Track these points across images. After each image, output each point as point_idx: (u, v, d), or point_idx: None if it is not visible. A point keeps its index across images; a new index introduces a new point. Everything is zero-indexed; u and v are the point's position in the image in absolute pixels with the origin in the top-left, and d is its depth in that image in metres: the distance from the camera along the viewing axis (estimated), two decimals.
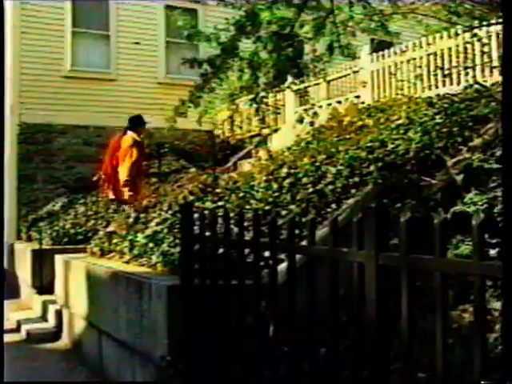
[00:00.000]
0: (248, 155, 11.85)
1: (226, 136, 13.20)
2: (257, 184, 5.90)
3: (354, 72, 11.26)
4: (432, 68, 9.52)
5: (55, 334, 7.01)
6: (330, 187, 5.15)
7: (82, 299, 6.01)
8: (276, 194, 5.41)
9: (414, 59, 9.92)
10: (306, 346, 2.83)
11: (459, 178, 4.66)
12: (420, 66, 9.73)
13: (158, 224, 5.74)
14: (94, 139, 12.18)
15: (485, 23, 7.16)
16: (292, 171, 5.80)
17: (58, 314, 7.12)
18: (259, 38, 6.12)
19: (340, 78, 11.75)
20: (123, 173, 8.14)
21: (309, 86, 11.88)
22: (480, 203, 4.15)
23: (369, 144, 5.81)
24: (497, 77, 7.94)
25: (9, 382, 4.52)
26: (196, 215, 4.05)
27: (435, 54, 9.56)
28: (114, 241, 6.35)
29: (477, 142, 5.17)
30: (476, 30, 7.78)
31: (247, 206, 5.24)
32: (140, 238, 5.67)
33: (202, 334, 3.79)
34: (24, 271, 9.22)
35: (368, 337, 2.40)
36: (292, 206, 4.99)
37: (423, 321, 2.89)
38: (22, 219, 11.25)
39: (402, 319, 2.25)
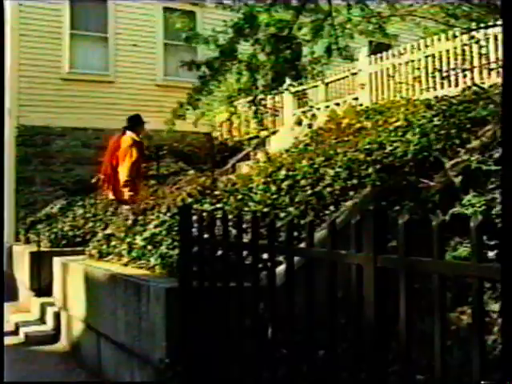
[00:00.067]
0: (246, 157, 11.85)
1: (225, 138, 13.21)
2: (255, 186, 5.90)
3: (353, 74, 11.28)
4: (430, 70, 9.53)
5: (53, 337, 7.00)
6: (329, 189, 5.15)
7: (81, 301, 6.00)
8: (274, 196, 5.41)
9: (413, 61, 9.93)
10: (305, 348, 2.83)
11: (457, 180, 4.67)
12: (418, 68, 9.74)
13: (156, 226, 5.74)
14: (92, 141, 12.18)
15: (482, 25, 7.17)
16: (290, 173, 5.80)
17: (57, 316, 7.11)
18: (257, 41, 6.13)
19: (338, 80, 11.77)
20: (123, 173, 8.15)
21: (307, 89, 11.90)
22: (478, 205, 4.16)
23: (367, 146, 5.81)
24: (495, 79, 7.95)
25: (9, 382, 4.53)
26: (194, 217, 4.05)
27: (433, 56, 9.58)
28: (113, 243, 6.35)
29: (475, 143, 5.18)
30: (474, 32, 7.79)
31: (246, 208, 5.24)
32: (138, 240, 5.66)
33: (200, 336, 3.79)
34: (22, 273, 9.21)
35: (366, 339, 2.40)
36: (290, 208, 4.99)
37: (421, 323, 2.89)
38: (21, 221, 11.24)
39: (401, 321, 2.25)
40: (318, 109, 11.47)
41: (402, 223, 2.26)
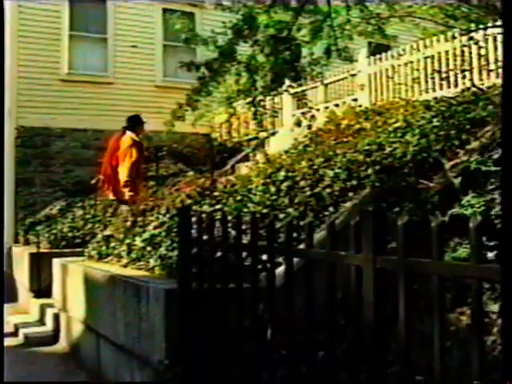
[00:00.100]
0: (246, 158, 11.86)
1: (224, 139, 13.21)
2: (254, 187, 5.90)
3: (352, 75, 11.29)
4: (429, 71, 9.54)
5: (53, 338, 7.00)
6: (328, 190, 5.15)
7: (80, 303, 6.00)
8: (274, 197, 5.41)
9: (412, 62, 9.94)
10: (304, 349, 2.83)
11: (457, 181, 4.67)
12: (417, 69, 9.75)
13: (155, 227, 5.74)
14: (92, 142, 12.18)
15: (481, 26, 7.18)
16: (290, 174, 5.79)
17: (56, 317, 7.10)
18: (256, 42, 6.13)
19: (337, 81, 11.77)
20: (123, 173, 8.16)
21: (306, 90, 11.90)
22: (477, 205, 4.16)
23: (366, 147, 5.81)
24: (494, 79, 7.96)
25: (9, 382, 4.53)
26: (194, 219, 4.05)
27: (432, 57, 9.59)
28: (112, 244, 6.35)
29: (474, 144, 5.18)
30: (473, 33, 7.80)
31: (245, 210, 5.24)
32: (138, 241, 5.66)
33: (199, 338, 3.79)
34: (22, 275, 9.21)
35: (366, 340, 2.40)
36: (290, 210, 4.99)
37: (421, 324, 2.89)
38: (20, 223, 11.25)
39: (400, 322, 2.25)
40: (318, 110, 11.48)
41: (401, 224, 2.26)
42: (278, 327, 3.05)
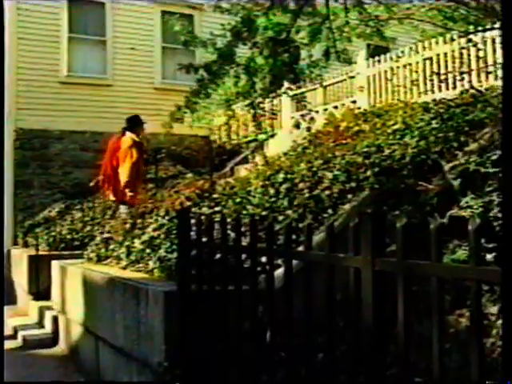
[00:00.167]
0: (245, 160, 11.86)
1: (223, 141, 13.21)
2: (253, 189, 5.90)
3: (351, 77, 11.29)
4: (428, 73, 9.55)
5: (52, 341, 6.99)
6: (327, 192, 5.15)
7: (79, 305, 6.00)
8: (273, 199, 5.41)
9: (410, 64, 9.95)
10: (303, 351, 2.83)
11: (456, 182, 4.67)
12: (416, 71, 9.76)
13: (154, 229, 5.74)
14: (90, 144, 12.19)
15: (480, 29, 7.19)
16: (289, 176, 5.80)
17: (55, 320, 7.10)
18: (255, 44, 6.14)
19: (336, 83, 11.78)
20: (124, 174, 8.18)
21: (305, 92, 11.90)
22: (476, 207, 4.16)
23: (365, 149, 5.82)
24: (492, 81, 7.96)
25: (9, 382, 4.53)
26: (193, 221, 4.05)
27: (431, 59, 9.60)
28: (111, 246, 6.35)
29: (473, 146, 5.18)
30: (471, 36, 7.81)
31: (244, 212, 5.24)
32: (137, 243, 5.67)
33: (199, 340, 3.79)
34: (20, 277, 9.20)
35: (364, 342, 2.40)
36: (289, 212, 4.99)
37: (420, 326, 2.89)
38: (19, 225, 11.24)
39: (399, 324, 2.25)
40: (317, 112, 11.48)
41: (400, 226, 2.26)
42: (277, 329, 3.05)
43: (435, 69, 9.40)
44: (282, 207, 5.17)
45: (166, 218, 5.94)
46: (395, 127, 6.38)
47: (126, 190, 8.18)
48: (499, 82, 7.16)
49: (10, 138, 11.76)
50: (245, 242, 3.54)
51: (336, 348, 2.67)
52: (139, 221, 6.64)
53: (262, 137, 12.08)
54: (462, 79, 8.72)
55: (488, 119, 5.53)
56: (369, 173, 5.24)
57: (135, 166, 8.21)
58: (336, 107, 11.14)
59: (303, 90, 11.73)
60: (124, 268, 5.59)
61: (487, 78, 8.41)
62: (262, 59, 6.18)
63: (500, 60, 7.58)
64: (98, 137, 11.77)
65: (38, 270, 8.40)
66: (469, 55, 8.87)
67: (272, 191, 5.59)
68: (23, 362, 6.28)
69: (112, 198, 8.58)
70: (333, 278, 2.64)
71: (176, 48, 12.41)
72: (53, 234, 9.30)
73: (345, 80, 11.57)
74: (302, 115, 11.87)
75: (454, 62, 9.15)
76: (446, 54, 9.34)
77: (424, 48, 9.77)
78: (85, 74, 12.77)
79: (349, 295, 2.53)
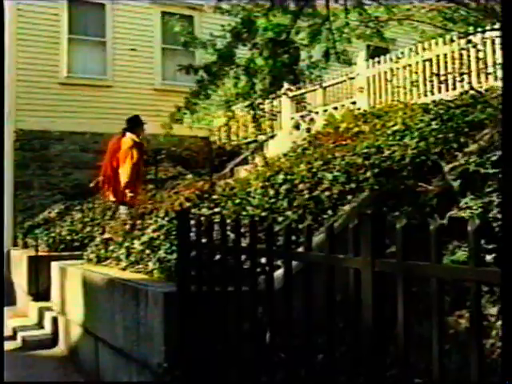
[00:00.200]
0: (244, 161, 11.86)
1: (223, 142, 13.21)
2: (253, 190, 5.90)
3: (351, 78, 11.30)
4: (428, 74, 9.55)
5: (51, 341, 6.99)
6: (327, 193, 5.15)
7: (79, 306, 5.99)
8: (272, 200, 5.41)
9: (410, 65, 9.95)
10: (303, 353, 2.83)
11: (456, 183, 4.67)
12: (416, 72, 9.76)
13: (154, 230, 5.74)
14: (90, 146, 12.19)
15: (480, 29, 7.19)
16: (288, 177, 5.80)
17: (55, 320, 7.09)
18: (255, 45, 6.14)
19: (336, 84, 11.78)
20: (124, 174, 8.18)
21: (305, 93, 11.91)
22: (475, 208, 4.16)
23: (365, 150, 5.82)
24: (492, 82, 7.97)
25: (9, 382, 4.53)
26: (192, 222, 4.05)
27: (431, 60, 9.60)
28: (111, 247, 6.35)
29: (472, 147, 5.18)
30: (471, 37, 7.81)
31: (244, 213, 5.24)
32: (136, 244, 5.66)
33: (198, 341, 3.78)
34: (20, 278, 9.20)
35: (364, 343, 2.40)
36: (288, 213, 4.99)
37: (419, 327, 2.89)
38: (19, 226, 11.23)
39: (399, 325, 2.25)
40: (316, 113, 11.48)
41: (399, 227, 2.26)
42: (277, 330, 3.05)
43: (435, 70, 9.40)
44: (282, 208, 5.17)
45: (166, 218, 5.94)
46: (395, 128, 6.38)
47: (127, 191, 8.19)
48: (499, 83, 7.16)
49: (10, 139, 11.76)
50: (244, 242, 3.54)
51: (336, 349, 2.67)
52: (139, 222, 6.64)
53: (261, 138, 12.09)
54: (462, 80, 8.73)
55: (488, 120, 5.53)
56: (368, 174, 5.24)
57: (136, 166, 8.22)
58: (336, 108, 11.14)
59: (303, 90, 11.73)
60: (124, 269, 5.58)
61: (487, 78, 8.41)
62: (262, 60, 6.19)
63: (500, 61, 7.58)
64: (98, 138, 11.78)
65: (38, 270, 8.40)
66: (468, 56, 8.87)
67: (272, 192, 5.59)
68: (23, 362, 6.27)
69: (112, 198, 8.58)
70: (332, 279, 2.64)
71: (176, 49, 12.42)
72: (52, 234, 9.30)
73: (344, 81, 11.57)
74: (302, 116, 11.87)
75: (453, 63, 9.15)
76: (445, 55, 9.35)
77: (424, 49, 9.77)
78: (85, 75, 12.77)
79: (348, 296, 2.53)
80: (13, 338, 7.38)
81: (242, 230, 3.59)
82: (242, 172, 10.02)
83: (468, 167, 4.74)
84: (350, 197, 5.07)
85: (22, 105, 11.92)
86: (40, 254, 8.73)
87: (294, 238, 3.55)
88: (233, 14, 6.37)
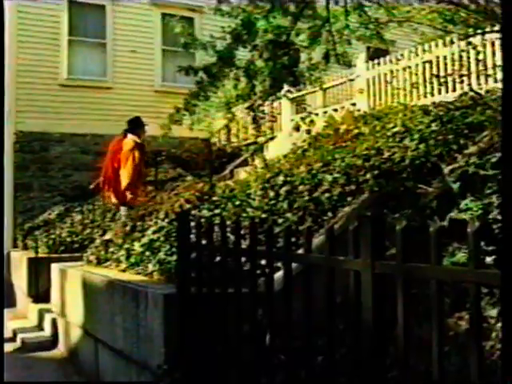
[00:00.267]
0: (244, 163, 11.86)
1: (223, 144, 13.22)
2: (253, 192, 5.90)
3: (350, 80, 11.31)
4: (428, 76, 9.55)
5: (51, 343, 6.99)
6: (327, 195, 5.15)
7: (79, 308, 5.99)
8: (272, 201, 5.41)
9: (410, 67, 9.96)
10: (303, 354, 2.83)
11: (455, 185, 4.67)
12: (416, 74, 9.77)
13: (154, 232, 5.74)
14: (91, 147, 12.19)
15: (479, 31, 7.19)
16: (288, 179, 5.80)
17: (54, 322, 7.09)
18: (255, 47, 6.14)
19: (336, 85, 11.79)
20: (125, 176, 8.19)
21: (305, 94, 11.91)
22: (475, 209, 4.16)
23: (365, 152, 5.82)
24: (492, 84, 7.97)
25: (8, 381, 4.53)
26: (192, 223, 4.05)
27: (431, 62, 9.61)
28: (111, 249, 6.35)
29: (472, 149, 5.18)
30: (471, 38, 7.81)
31: (244, 214, 5.24)
32: (136, 246, 5.66)
33: (198, 343, 3.78)
34: (20, 280, 9.20)
35: (364, 344, 2.40)
36: (288, 214, 4.99)
37: (419, 328, 2.89)
38: (18, 227, 11.24)
39: (398, 327, 2.25)
40: (316, 114, 11.47)
41: (399, 229, 2.26)
42: (277, 332, 3.05)
43: (435, 71, 9.41)
44: (282, 210, 5.17)
45: (166, 220, 5.94)
46: (395, 130, 6.38)
47: (127, 192, 8.19)
48: (499, 85, 7.17)
49: (10, 141, 11.76)
50: (244, 244, 3.54)
51: (336, 351, 2.67)
52: (139, 223, 6.64)
53: (261, 139, 12.08)
54: (462, 82, 8.73)
55: (487, 122, 5.54)
56: (368, 175, 5.24)
57: (137, 168, 8.23)
58: (336, 110, 11.15)
59: (303, 92, 11.74)
60: (123, 271, 5.58)
61: (487, 80, 8.42)
62: (262, 62, 6.18)
63: (499, 63, 7.59)
64: (98, 139, 11.78)
65: (38, 272, 8.40)
66: (468, 58, 8.87)
67: (272, 194, 5.59)
68: (22, 364, 6.27)
69: (113, 199, 8.59)
70: (332, 281, 2.64)
71: (176, 50, 12.42)
72: (52, 236, 9.30)
73: (344, 83, 11.59)
74: (302, 118, 11.84)
75: (453, 65, 9.16)
76: (445, 57, 9.35)
77: (424, 51, 9.78)
78: (85, 77, 12.78)
79: (348, 298, 2.53)
80: (13, 339, 7.38)
81: (242, 232, 3.59)
82: (242, 174, 10.02)
83: (468, 169, 4.74)
84: (349, 198, 5.07)
85: (22, 106, 11.93)
86: (40, 255, 8.73)
87: (293, 239, 3.55)
88: (233, 15, 6.37)
